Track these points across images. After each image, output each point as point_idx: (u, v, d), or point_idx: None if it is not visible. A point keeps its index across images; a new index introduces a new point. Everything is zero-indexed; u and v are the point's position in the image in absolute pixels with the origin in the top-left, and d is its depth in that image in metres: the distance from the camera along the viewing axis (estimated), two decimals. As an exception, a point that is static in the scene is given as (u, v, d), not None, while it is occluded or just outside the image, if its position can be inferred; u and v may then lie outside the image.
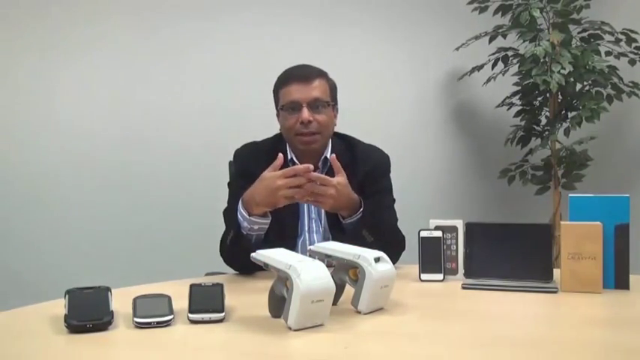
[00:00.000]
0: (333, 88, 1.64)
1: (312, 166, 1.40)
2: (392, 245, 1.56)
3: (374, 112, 2.93)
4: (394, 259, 1.52)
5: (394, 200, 1.70)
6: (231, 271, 1.57)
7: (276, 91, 1.63)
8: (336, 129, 1.68)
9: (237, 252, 1.47)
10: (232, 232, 1.49)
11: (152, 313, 1.01)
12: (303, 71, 1.59)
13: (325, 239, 1.61)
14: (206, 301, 1.04)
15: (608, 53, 2.77)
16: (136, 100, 2.56)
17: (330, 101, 1.60)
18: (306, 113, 1.54)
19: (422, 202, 2.81)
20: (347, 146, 1.68)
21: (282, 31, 2.78)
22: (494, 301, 1.22)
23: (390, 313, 1.09)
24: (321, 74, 1.61)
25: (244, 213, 1.47)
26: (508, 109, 3.04)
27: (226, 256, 1.55)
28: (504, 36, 2.87)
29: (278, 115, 1.64)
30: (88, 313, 0.97)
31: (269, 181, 1.39)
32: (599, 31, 2.74)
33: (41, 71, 2.43)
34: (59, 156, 2.45)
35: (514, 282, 1.29)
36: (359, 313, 1.08)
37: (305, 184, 1.39)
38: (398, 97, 3.05)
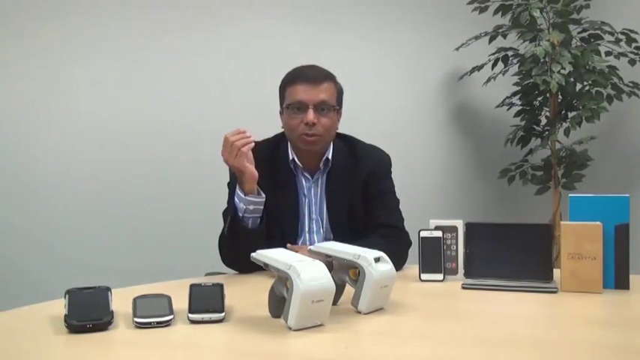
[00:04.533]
0: (339, 92, 1.63)
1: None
2: (404, 247, 1.60)
3: (374, 112, 2.93)
4: (404, 257, 1.57)
5: (398, 201, 1.70)
6: (231, 271, 1.57)
7: (282, 89, 1.62)
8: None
9: (234, 240, 1.47)
10: (229, 218, 1.49)
11: (152, 313, 1.01)
12: (313, 72, 1.58)
13: (326, 239, 1.61)
14: (206, 301, 1.04)
15: (608, 53, 2.77)
16: (138, 102, 2.56)
17: (335, 105, 1.60)
18: (311, 115, 1.54)
19: (422, 202, 2.81)
20: (348, 146, 1.67)
21: (282, 31, 2.78)
22: (494, 301, 1.22)
23: (390, 313, 1.10)
24: (330, 77, 1.61)
25: (240, 193, 1.49)
26: (508, 109, 3.04)
27: (224, 250, 1.54)
28: (504, 36, 2.87)
29: (282, 113, 1.64)
30: (88, 313, 0.97)
31: (224, 142, 1.46)
32: (599, 31, 2.74)
33: (44, 73, 2.42)
34: (59, 156, 2.44)
35: (514, 282, 1.29)
36: (359, 313, 1.08)
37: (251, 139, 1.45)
38: (398, 97, 3.05)
